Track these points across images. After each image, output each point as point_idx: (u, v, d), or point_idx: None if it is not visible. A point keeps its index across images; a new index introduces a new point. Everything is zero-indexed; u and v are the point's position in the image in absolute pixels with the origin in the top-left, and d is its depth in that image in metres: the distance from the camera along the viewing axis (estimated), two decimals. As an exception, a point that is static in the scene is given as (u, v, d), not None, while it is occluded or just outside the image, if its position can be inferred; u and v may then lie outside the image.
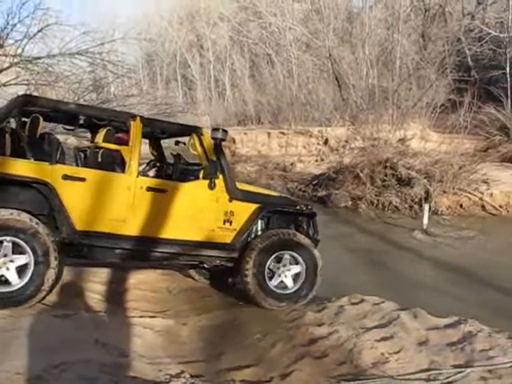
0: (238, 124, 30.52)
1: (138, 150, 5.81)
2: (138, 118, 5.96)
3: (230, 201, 6.18)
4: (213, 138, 6.16)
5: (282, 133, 24.55)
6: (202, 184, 6.05)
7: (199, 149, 6.17)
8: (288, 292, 6.31)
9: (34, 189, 5.25)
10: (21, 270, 5.05)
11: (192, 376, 4.24)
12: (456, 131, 18.13)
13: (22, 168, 5.19)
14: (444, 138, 18.04)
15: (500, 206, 14.72)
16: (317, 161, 21.50)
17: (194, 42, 44.99)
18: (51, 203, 5.30)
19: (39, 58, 14.02)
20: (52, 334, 4.42)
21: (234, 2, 41.03)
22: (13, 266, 5.03)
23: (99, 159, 5.96)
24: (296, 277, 6.36)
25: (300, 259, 6.34)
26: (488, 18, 27.78)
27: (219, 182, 6.10)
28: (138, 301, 6.25)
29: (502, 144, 20.61)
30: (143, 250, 5.95)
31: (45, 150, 5.58)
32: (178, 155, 6.83)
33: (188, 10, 46.70)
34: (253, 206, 6.33)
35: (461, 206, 14.91)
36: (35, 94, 12.53)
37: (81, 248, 5.59)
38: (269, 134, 24.84)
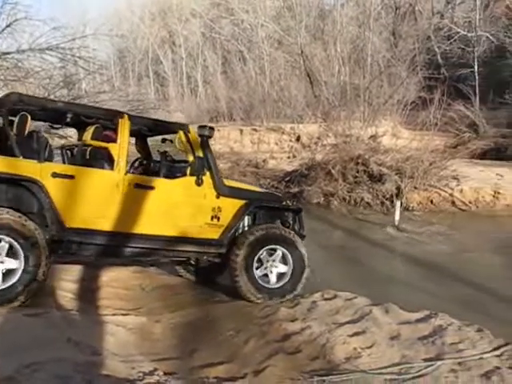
0: (211, 121, 30.37)
1: (126, 148, 5.85)
2: (126, 116, 6.00)
3: (218, 197, 6.24)
4: (199, 135, 6.23)
5: (255, 129, 24.58)
6: (189, 181, 6.10)
7: (186, 146, 6.20)
8: (270, 287, 6.39)
9: (23, 187, 5.27)
10: (9, 270, 5.09)
11: (165, 373, 4.23)
12: (426, 128, 18.33)
13: (11, 166, 5.20)
14: (415, 134, 18.19)
15: (469, 202, 14.93)
16: (289, 157, 21.51)
17: (166, 38, 44.70)
18: (41, 201, 5.32)
19: (8, 53, 13.78)
20: (23, 334, 4.36)
21: (206, -2, 40.94)
22: (1, 267, 5.06)
23: (87, 157, 5.97)
24: (281, 276, 6.47)
25: (289, 257, 6.45)
26: (457, 18, 28.22)
27: (206, 178, 6.16)
28: (110, 298, 6.22)
29: (471, 141, 21.00)
30: (132, 247, 5.97)
31: (33, 148, 5.59)
32: (165, 152, 6.78)
33: (160, 6, 46.38)
34: (240, 202, 6.40)
35: (431, 201, 15.07)
36: (5, 89, 12.32)
37: (70, 245, 5.62)
38: (241, 130, 24.85)
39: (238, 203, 6.39)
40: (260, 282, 6.32)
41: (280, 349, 4.89)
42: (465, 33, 26.58)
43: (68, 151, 6.52)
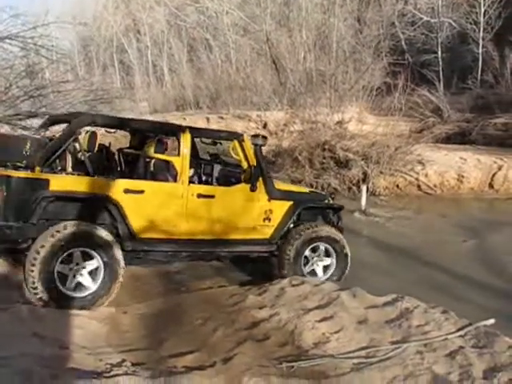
0: (177, 109, 30.16)
1: (188, 160, 6.33)
2: (187, 130, 6.46)
3: (269, 200, 6.81)
4: (253, 144, 6.75)
5: (221, 117, 24.42)
6: (244, 187, 6.65)
7: (240, 154, 6.76)
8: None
9: (100, 203, 5.78)
10: (93, 275, 5.62)
11: (133, 364, 4.22)
12: (391, 113, 18.50)
13: (88, 185, 5.71)
14: (380, 120, 18.35)
15: (434, 186, 15.18)
16: (256, 145, 21.45)
17: (130, 26, 44.02)
18: (115, 216, 5.80)
19: (-35, 42, 13.42)
20: (-13, 329, 4.31)
21: (170, -15, 40.41)
22: (86, 272, 5.60)
23: (151, 169, 6.51)
24: (326, 268, 7.13)
25: (331, 250, 7.09)
26: (420, 4, 28.38)
27: (260, 184, 6.71)
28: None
29: (436, 125, 21.25)
30: (195, 252, 6.55)
31: (104, 164, 6.27)
32: (215, 155, 7.54)
33: (124, -6, 45.70)
34: (288, 203, 6.97)
35: (397, 186, 15.28)
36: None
37: (138, 253, 6.14)
38: (208, 118, 24.67)
39: (286, 204, 6.96)
40: (308, 277, 6.81)
41: (249, 336, 4.92)
42: (428, 19, 26.80)
43: (127, 159, 7.04)
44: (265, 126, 22.29)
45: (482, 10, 24.54)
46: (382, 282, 7.33)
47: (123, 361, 4.23)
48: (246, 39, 30.45)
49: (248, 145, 6.76)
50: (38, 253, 5.33)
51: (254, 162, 6.69)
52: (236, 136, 6.98)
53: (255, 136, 6.88)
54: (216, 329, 5.11)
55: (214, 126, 23.82)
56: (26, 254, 5.50)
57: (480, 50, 24.25)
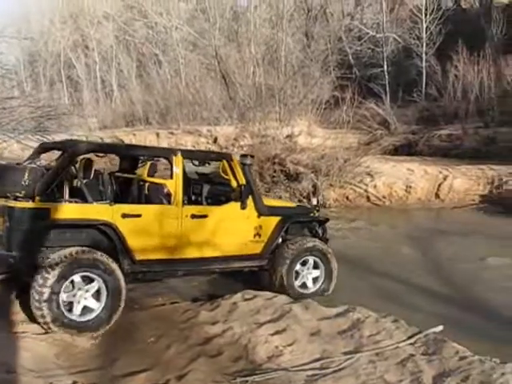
0: (127, 125, 29.85)
1: (181, 182, 6.47)
2: (179, 153, 6.60)
3: (259, 217, 7.03)
4: (241, 163, 7.02)
5: (171, 133, 24.32)
6: (235, 206, 6.85)
7: (230, 173, 6.96)
8: (309, 292, 7.22)
9: (99, 229, 5.86)
10: (96, 297, 5.69)
11: (85, 385, 4.15)
12: (340, 126, 18.81)
13: (86, 212, 5.87)
14: (329, 133, 18.63)
15: (383, 197, 15.45)
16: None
17: (78, 41, 43.41)
18: (114, 240, 5.91)
19: None
20: None
21: (118, 0, 40.10)
22: (89, 295, 5.67)
23: (146, 192, 6.77)
24: (315, 279, 7.37)
25: (320, 263, 7.35)
26: (366, 19, 29.05)
27: (249, 201, 6.92)
28: (26, 310, 6.00)
29: (383, 137, 21.68)
30: (188, 269, 6.71)
31: (100, 190, 6.39)
32: (204, 175, 7.77)
33: (71, 9, 45.04)
34: (276, 219, 7.21)
35: (347, 198, 15.48)
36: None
37: (136, 275, 6.25)
38: (157, 134, 24.57)
39: (275, 220, 7.20)
40: (300, 290, 7.14)
41: (202, 352, 4.90)
42: (373, 34, 27.49)
43: (120, 182, 7.14)
44: (215, 140, 22.31)
45: (424, 26, 25.33)
46: (334, 292, 7.40)
47: (74, 383, 4.17)
48: (196, 54, 30.49)
49: (236, 164, 6.97)
50: (43, 283, 5.37)
51: (242, 180, 6.90)
52: (225, 156, 7.26)
53: (243, 156, 7.30)
54: (169, 346, 5.08)
55: (164, 142, 23.77)
56: (29, 282, 5.52)
57: (424, 64, 25.00)
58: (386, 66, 26.27)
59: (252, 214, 6.98)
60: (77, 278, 5.57)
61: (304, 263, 7.28)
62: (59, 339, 5.28)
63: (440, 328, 5.28)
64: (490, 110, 21.00)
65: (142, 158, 7.42)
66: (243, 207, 6.87)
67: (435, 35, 24.93)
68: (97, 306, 5.66)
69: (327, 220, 8.14)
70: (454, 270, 8.80)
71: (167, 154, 6.78)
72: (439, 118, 21.92)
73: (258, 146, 16.61)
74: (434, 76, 23.58)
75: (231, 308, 5.95)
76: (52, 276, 5.38)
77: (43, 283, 5.36)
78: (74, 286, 5.59)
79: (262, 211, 7.07)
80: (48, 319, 5.33)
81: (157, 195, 6.67)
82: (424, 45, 25.27)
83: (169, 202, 6.48)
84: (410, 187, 15.52)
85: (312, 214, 8.04)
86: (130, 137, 24.48)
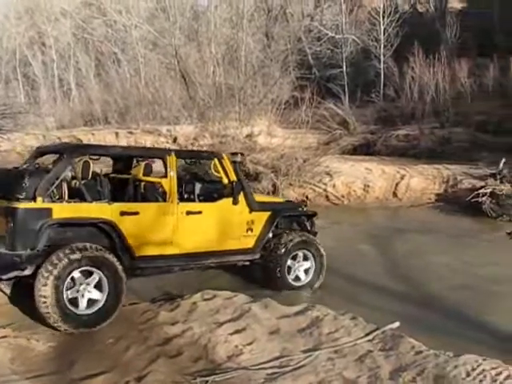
0: (85, 124, 29.39)
1: (175, 180, 6.80)
2: (173, 153, 6.95)
3: (250, 212, 7.40)
4: (232, 162, 7.39)
5: (130, 132, 24.09)
6: (227, 202, 7.19)
7: (221, 171, 7.31)
8: (300, 284, 7.69)
9: (99, 227, 6.13)
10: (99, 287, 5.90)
11: (41, 389, 4.08)
12: (299, 126, 18.90)
13: (86, 210, 6.12)
14: (289, 133, 18.71)
15: (342, 196, 15.58)
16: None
17: (34, 38, 42.56)
18: (113, 237, 6.17)
19: None
20: None
21: (76, -3, 39.52)
22: (91, 287, 5.88)
23: (142, 190, 7.01)
24: (307, 271, 7.81)
25: (310, 255, 7.80)
26: (325, 20, 29.31)
27: (241, 197, 7.27)
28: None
29: (342, 137, 21.91)
30: (185, 264, 6.97)
31: (98, 190, 6.54)
32: (195, 173, 8.31)
33: (26, 5, 44.10)
34: (267, 214, 7.59)
35: (307, 197, 15.49)
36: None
37: (134, 271, 6.47)
38: (117, 133, 24.29)
39: (266, 215, 7.57)
40: (293, 283, 7.61)
41: (162, 353, 4.89)
42: (333, 35, 27.74)
43: (115, 183, 7.20)
44: (175, 140, 22.20)
45: (382, 28, 25.74)
46: (293, 291, 7.46)
47: (30, 387, 4.09)
48: (155, 53, 30.26)
49: (227, 162, 7.33)
50: (47, 279, 5.55)
51: (233, 177, 7.26)
52: (216, 155, 7.57)
53: (234, 154, 7.73)
54: (128, 347, 5.05)
55: (123, 141, 23.54)
56: (31, 281, 5.68)
57: (382, 66, 25.38)
58: (344, 67, 26.57)
59: (244, 209, 7.34)
60: (76, 273, 5.76)
61: (294, 257, 7.67)
62: (14, 343, 5.19)
63: (397, 324, 5.38)
64: (445, 111, 21.41)
65: (137, 158, 7.72)
66: (235, 203, 7.20)
67: (393, 37, 25.42)
68: (101, 297, 5.86)
69: (315, 214, 8.50)
70: (410, 268, 8.95)
71: (162, 154, 7.18)
72: (397, 119, 22.23)
73: (218, 146, 16.56)
74: (392, 77, 23.92)
75: (191, 308, 5.96)
76: (54, 274, 5.57)
77: (46, 282, 5.54)
78: (75, 282, 5.77)
79: (253, 207, 7.44)
80: (57, 318, 5.53)
81: (153, 193, 7.00)
82: (382, 46, 25.68)
83: (164, 200, 6.78)
84: (368, 186, 15.69)
85: (300, 209, 8.44)
86: (88, 136, 24.15)
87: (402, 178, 15.86)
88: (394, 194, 15.71)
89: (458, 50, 24.29)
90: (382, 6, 26.11)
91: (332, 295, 7.47)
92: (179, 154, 7.36)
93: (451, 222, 13.00)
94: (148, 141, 22.66)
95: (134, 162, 7.83)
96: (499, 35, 24.68)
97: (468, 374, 4.22)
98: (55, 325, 5.55)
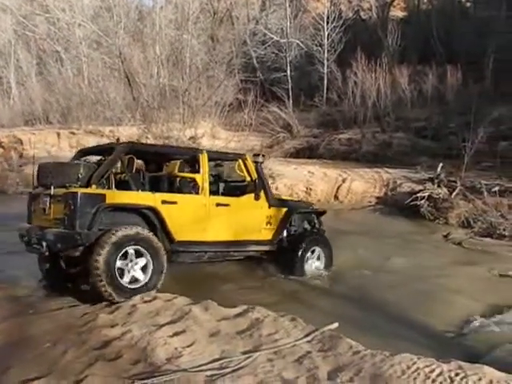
0: (26, 124, 28.60)
1: (207, 176, 7.75)
2: (205, 152, 7.95)
3: (269, 207, 8.42)
4: (254, 162, 8.36)
5: (73, 133, 23.61)
6: (250, 197, 8.23)
7: (244, 170, 8.38)
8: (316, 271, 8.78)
9: (144, 212, 6.98)
10: (143, 270, 6.71)
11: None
12: (243, 129, 18.99)
13: (134, 198, 7.03)
14: (232, 135, 18.77)
15: (285, 198, 15.71)
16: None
17: (-29, 34, 41.30)
18: (156, 222, 7.03)
19: None
20: None
21: (17, -8, 38.40)
22: (138, 267, 6.69)
23: (177, 185, 7.77)
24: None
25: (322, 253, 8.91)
26: (270, 24, 29.50)
27: (262, 194, 8.29)
28: None
29: (286, 140, 22.11)
30: (215, 251, 7.88)
31: (141, 182, 7.46)
32: (218, 175, 8.98)
33: (-39, 0, 42.68)
34: (284, 210, 8.63)
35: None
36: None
37: (173, 254, 7.31)
38: (58, 134, 23.74)
39: (283, 210, 8.61)
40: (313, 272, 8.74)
41: (100, 356, 4.82)
42: (277, 39, 27.95)
43: (154, 179, 7.95)
44: (118, 141, 21.89)
45: (326, 34, 26.17)
46: (232, 293, 7.53)
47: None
48: (99, 53, 29.77)
49: (250, 162, 8.32)
50: (101, 253, 6.32)
51: (255, 176, 8.26)
52: (240, 156, 8.55)
53: (256, 155, 8.62)
54: (66, 351, 4.95)
55: (65, 142, 23.09)
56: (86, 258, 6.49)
57: (325, 70, 25.77)
58: (289, 71, 26.83)
59: (264, 204, 8.33)
60: (130, 249, 6.57)
61: (313, 252, 8.74)
62: None
63: (335, 325, 5.46)
64: (387, 116, 21.86)
65: (176, 156, 8.41)
66: (257, 198, 8.22)
67: (336, 43, 25.85)
68: (143, 278, 6.66)
69: (325, 212, 9.53)
70: (350, 269, 9.12)
71: (195, 152, 8.15)
72: (339, 123, 22.54)
73: (161, 148, 16.44)
74: (335, 82, 24.22)
75: (131, 310, 5.89)
76: (108, 248, 6.36)
77: (101, 254, 6.31)
78: (126, 257, 6.57)
79: (272, 203, 8.45)
80: (105, 283, 6.30)
81: (187, 187, 7.72)
82: (326, 51, 26.08)
83: (197, 193, 7.63)
84: (311, 189, 15.90)
85: (311, 208, 9.53)
86: (28, 136, 23.52)
87: (344, 181, 16.13)
88: (336, 197, 15.97)
89: (399, 57, 24.91)
90: (326, 12, 26.56)
91: (272, 297, 7.55)
92: (210, 154, 8.16)
93: (390, 224, 13.30)
94: (90, 142, 22.24)
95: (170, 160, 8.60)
96: (437, 44, 25.46)
97: (403, 373, 4.32)
98: (101, 284, 6.30)
